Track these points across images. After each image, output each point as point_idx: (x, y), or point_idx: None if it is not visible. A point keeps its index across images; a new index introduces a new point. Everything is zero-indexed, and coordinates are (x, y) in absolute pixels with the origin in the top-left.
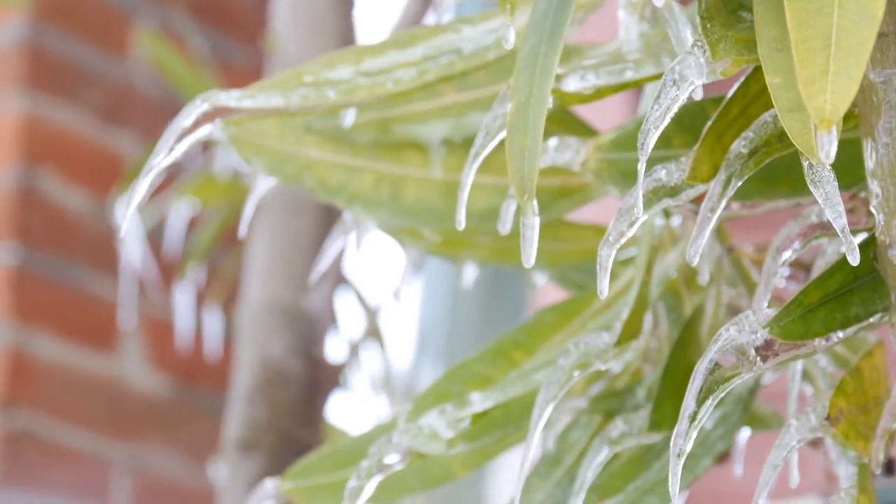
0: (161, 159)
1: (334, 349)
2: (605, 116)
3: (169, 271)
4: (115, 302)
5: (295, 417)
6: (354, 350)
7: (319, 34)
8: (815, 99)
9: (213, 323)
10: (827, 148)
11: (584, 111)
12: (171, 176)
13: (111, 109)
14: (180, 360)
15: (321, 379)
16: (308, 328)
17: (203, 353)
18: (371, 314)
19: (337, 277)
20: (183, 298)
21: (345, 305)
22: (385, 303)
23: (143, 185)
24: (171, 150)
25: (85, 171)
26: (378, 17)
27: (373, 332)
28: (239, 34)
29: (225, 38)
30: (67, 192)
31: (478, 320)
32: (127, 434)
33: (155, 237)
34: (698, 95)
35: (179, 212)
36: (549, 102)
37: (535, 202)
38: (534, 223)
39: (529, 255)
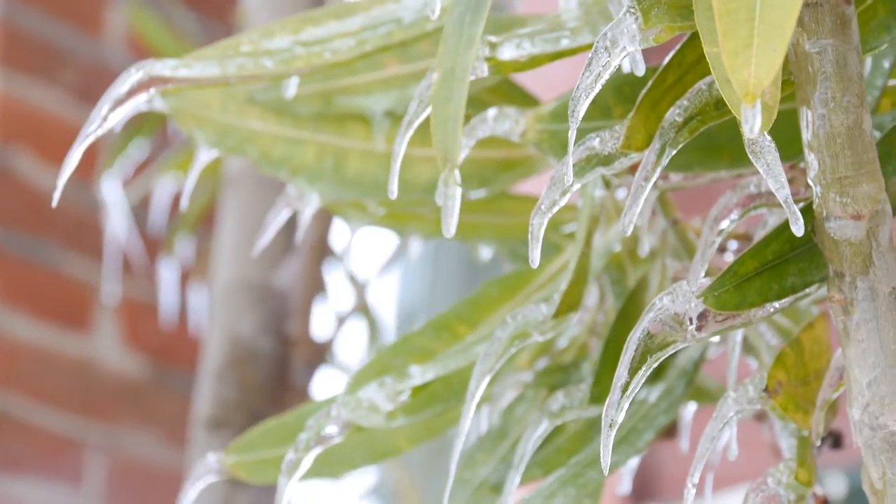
0: (96, 127)
1: (319, 325)
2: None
3: (152, 249)
4: (90, 282)
5: (265, 395)
6: (341, 324)
7: (289, 10)
8: (739, 72)
9: (195, 301)
10: (751, 122)
11: (539, 85)
12: (154, 153)
13: (86, 88)
14: (155, 341)
15: (293, 356)
16: (278, 305)
17: (177, 333)
18: (359, 290)
19: (316, 249)
20: (167, 275)
21: (333, 281)
22: (372, 278)
23: (76, 155)
24: (105, 118)
25: (60, 151)
26: None
27: (361, 307)
28: (211, 11)
29: (197, 14)
30: (42, 172)
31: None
32: (101, 414)
33: (138, 215)
34: (640, 70)
35: (164, 188)
36: (485, 71)
37: (457, 172)
38: (455, 193)
39: (449, 224)
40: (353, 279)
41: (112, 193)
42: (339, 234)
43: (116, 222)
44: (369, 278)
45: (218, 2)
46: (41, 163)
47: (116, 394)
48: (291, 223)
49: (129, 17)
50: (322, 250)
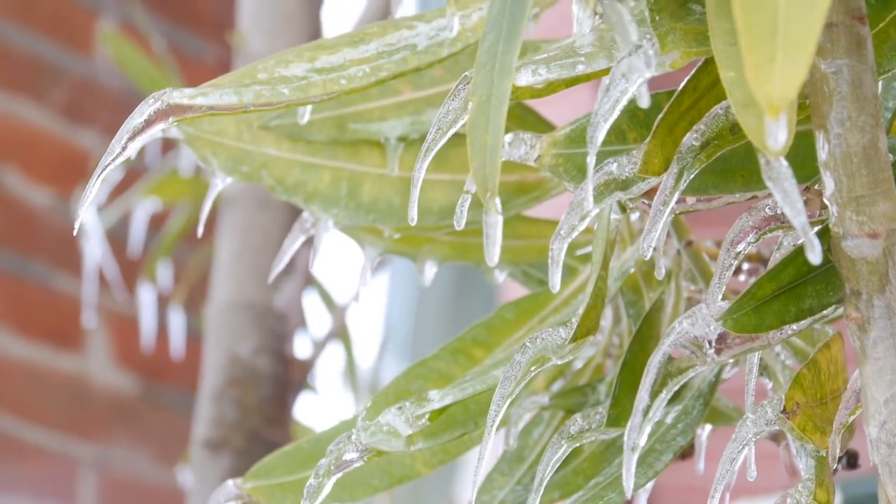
0: (114, 158)
1: (301, 347)
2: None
3: (136, 269)
4: (79, 300)
5: (263, 416)
6: (320, 348)
7: (285, 30)
8: (763, 86)
9: (177, 320)
10: (776, 135)
11: (553, 109)
12: (135, 174)
13: (75, 106)
14: (145, 358)
15: (291, 377)
16: (277, 325)
17: (168, 351)
18: (338, 312)
19: (305, 274)
20: (147, 297)
21: (311, 304)
22: (351, 301)
23: (96, 184)
24: (125, 148)
25: (49, 169)
26: (345, 13)
27: (339, 331)
28: (206, 31)
29: (192, 35)
30: (31, 190)
31: (444, 318)
32: (92, 432)
33: (120, 235)
34: (645, 102)
35: (143, 210)
36: None
37: (497, 200)
38: (497, 221)
39: (493, 253)
40: (331, 303)
41: (89, 217)
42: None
43: (93, 245)
44: (347, 301)
45: (215, 22)
46: (30, 181)
47: (107, 411)
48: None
49: (109, 44)
50: (306, 274)
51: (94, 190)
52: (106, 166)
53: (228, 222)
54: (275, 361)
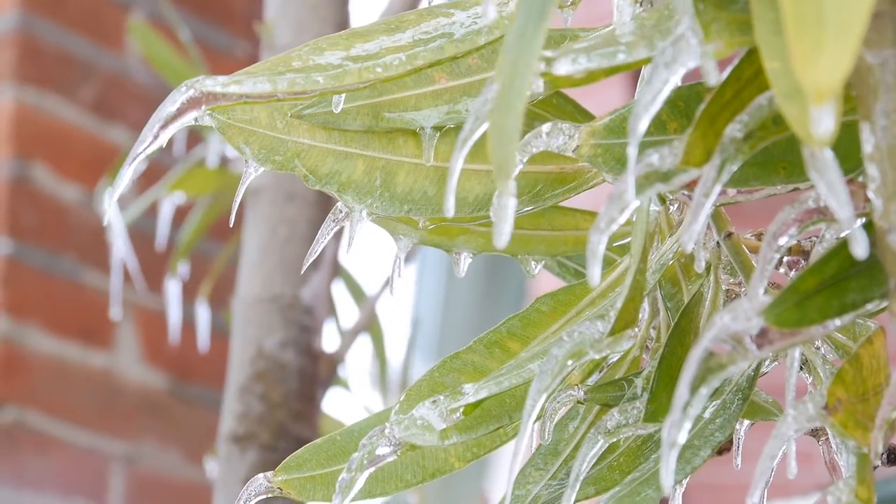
0: (146, 146)
1: (330, 341)
2: (613, 105)
3: (164, 261)
4: (108, 296)
5: (290, 410)
6: (349, 341)
7: (313, 22)
8: (810, 73)
9: (203, 314)
10: (821, 123)
11: (591, 100)
12: (163, 168)
13: (105, 101)
14: (175, 354)
15: (318, 371)
16: (304, 319)
17: (196, 348)
18: (367, 305)
19: (333, 267)
20: (173, 291)
21: (340, 296)
22: (381, 292)
23: (127, 173)
24: (157, 136)
25: (78, 164)
26: (372, 4)
27: (369, 323)
28: (236, 26)
29: (222, 30)
30: (60, 185)
31: (473, 312)
32: (121, 429)
33: (147, 230)
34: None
35: (169, 203)
36: (540, 87)
37: (512, 183)
38: (508, 203)
39: (502, 234)
40: (361, 295)
41: (113, 212)
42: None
43: (120, 240)
44: (378, 293)
45: (244, 16)
46: (60, 176)
47: (136, 408)
48: (314, 234)
49: (138, 38)
50: (335, 265)
51: (127, 178)
52: (138, 154)
53: (254, 215)
54: (301, 355)
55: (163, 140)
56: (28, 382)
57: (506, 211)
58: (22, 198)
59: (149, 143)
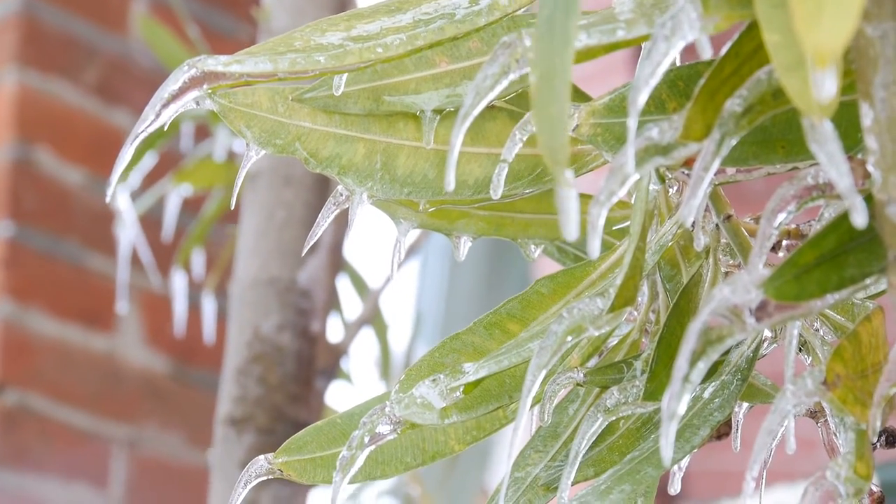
0: (148, 125)
1: (333, 331)
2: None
3: (169, 250)
4: (112, 279)
5: (287, 393)
6: (353, 333)
7: (310, 6)
8: (812, 37)
9: (209, 305)
10: (822, 87)
11: (596, 85)
12: (170, 161)
13: (108, 85)
14: (177, 339)
15: (317, 355)
16: (301, 302)
17: (201, 331)
18: (371, 297)
19: (333, 250)
20: (179, 282)
21: (343, 288)
22: (384, 284)
23: (128, 152)
24: (158, 115)
25: (81, 147)
26: None
27: (372, 316)
28: (239, 10)
29: (225, 13)
30: (63, 169)
31: (476, 304)
32: (123, 412)
33: (155, 219)
34: (707, 53)
35: (177, 195)
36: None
37: (570, 172)
38: (570, 194)
39: (570, 228)
40: (363, 287)
41: (124, 204)
42: (353, 242)
43: (127, 229)
44: (382, 285)
45: (248, 2)
46: (63, 160)
47: (139, 392)
48: (312, 218)
49: (141, 26)
50: (338, 257)
51: (128, 156)
52: (139, 133)
53: (252, 199)
54: (298, 338)
55: (164, 119)
56: (30, 366)
57: (570, 202)
58: (25, 181)
59: (150, 121)
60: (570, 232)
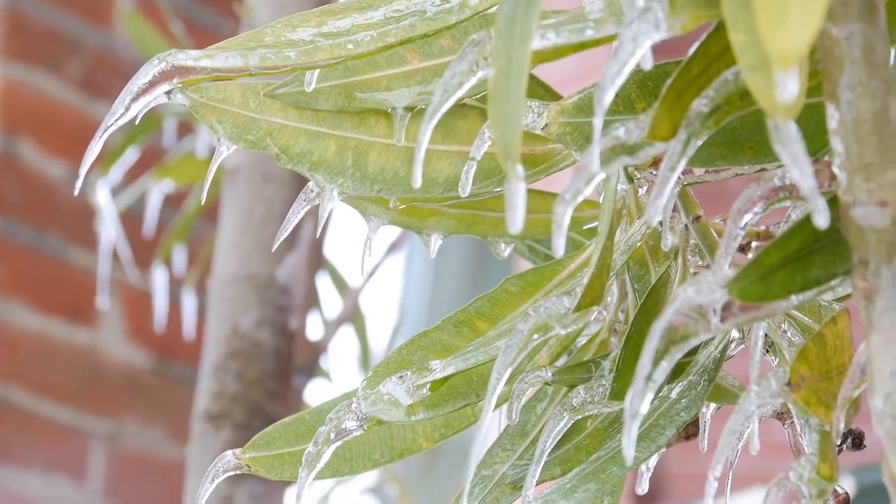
0: (117, 118)
1: (312, 329)
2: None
3: (150, 246)
4: (94, 274)
5: (265, 389)
6: (332, 331)
7: (291, 1)
8: (776, 37)
9: (190, 301)
10: (786, 87)
11: (575, 87)
12: (153, 157)
13: (92, 79)
14: (158, 334)
15: (295, 352)
16: (280, 298)
17: (181, 327)
18: (350, 295)
19: (313, 247)
20: (160, 279)
21: (323, 286)
22: (364, 283)
23: (98, 144)
24: (128, 108)
25: (64, 140)
26: None
27: (352, 314)
28: (224, 5)
29: (209, 8)
30: (47, 162)
31: (460, 303)
32: (104, 406)
33: (136, 215)
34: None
35: (158, 191)
36: None
37: (519, 167)
38: (518, 189)
39: (515, 221)
40: (343, 285)
41: (105, 199)
42: (333, 241)
43: (109, 225)
44: (362, 283)
45: None
46: (46, 153)
47: (120, 386)
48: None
49: (125, 21)
50: (318, 255)
51: (97, 149)
52: (108, 126)
53: (231, 195)
54: (277, 335)
55: (133, 112)
56: (12, 359)
57: (517, 196)
58: (8, 174)
59: (119, 114)
60: (515, 224)
